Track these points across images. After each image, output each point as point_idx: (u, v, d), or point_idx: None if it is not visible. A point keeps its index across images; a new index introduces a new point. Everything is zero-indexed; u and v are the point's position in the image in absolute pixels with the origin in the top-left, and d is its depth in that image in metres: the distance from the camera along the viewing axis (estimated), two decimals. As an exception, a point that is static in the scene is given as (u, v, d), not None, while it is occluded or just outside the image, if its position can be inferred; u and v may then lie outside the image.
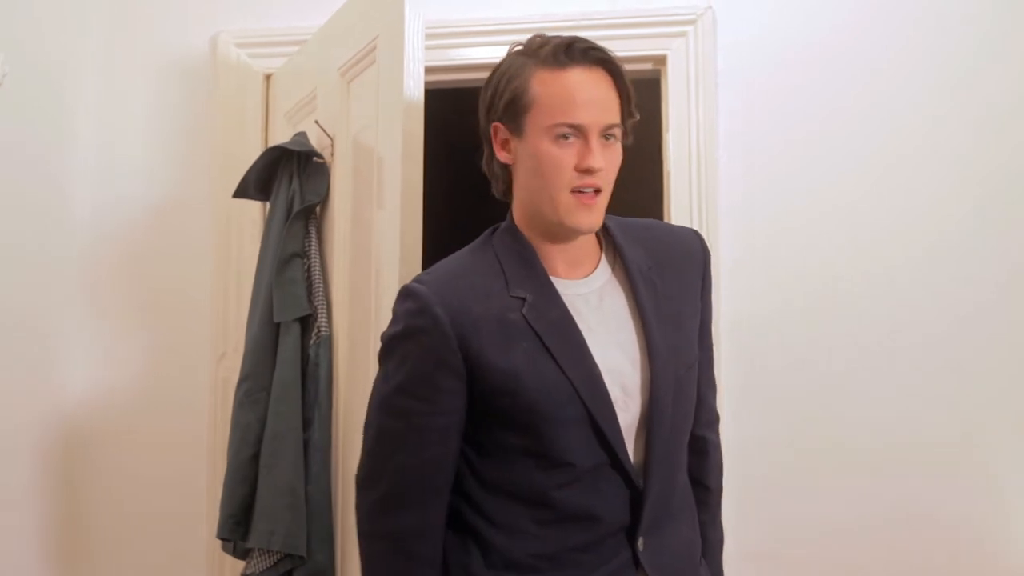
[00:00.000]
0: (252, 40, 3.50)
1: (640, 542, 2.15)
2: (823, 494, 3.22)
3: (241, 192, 3.15)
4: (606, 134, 2.13)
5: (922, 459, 3.18)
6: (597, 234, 2.24)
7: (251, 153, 3.35)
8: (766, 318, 3.23)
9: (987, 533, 3.14)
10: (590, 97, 2.11)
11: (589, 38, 2.15)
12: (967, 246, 3.19)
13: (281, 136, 3.35)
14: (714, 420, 2.39)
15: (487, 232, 2.26)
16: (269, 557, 2.87)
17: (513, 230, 2.21)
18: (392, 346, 2.16)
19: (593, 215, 2.14)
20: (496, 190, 2.25)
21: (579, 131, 2.10)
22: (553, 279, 2.17)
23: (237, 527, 2.92)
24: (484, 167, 2.25)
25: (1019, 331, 3.16)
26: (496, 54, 2.26)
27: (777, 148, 3.29)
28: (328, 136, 3.01)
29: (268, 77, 3.53)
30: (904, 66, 3.25)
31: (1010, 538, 3.10)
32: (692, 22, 3.31)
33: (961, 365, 3.17)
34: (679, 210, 3.26)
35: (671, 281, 2.25)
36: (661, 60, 3.30)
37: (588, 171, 2.11)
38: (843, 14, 3.29)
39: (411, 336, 2.13)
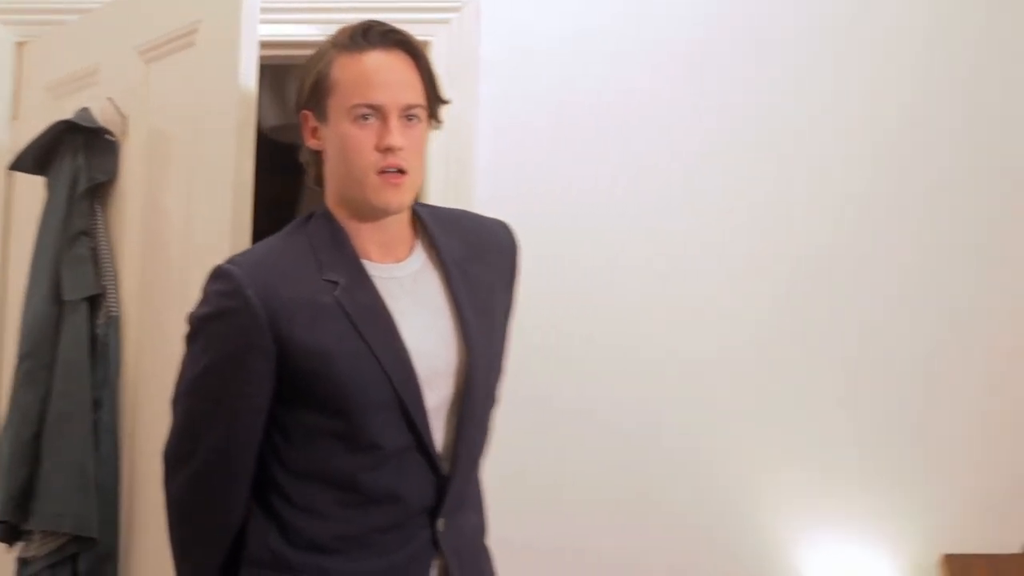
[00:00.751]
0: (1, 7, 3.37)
1: (440, 523, 2.21)
2: (567, 480, 3.37)
3: (19, 164, 3.05)
4: (407, 114, 2.18)
5: (661, 450, 3.38)
6: (411, 221, 2.29)
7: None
8: (520, 310, 3.38)
9: (719, 523, 3.37)
10: (387, 78, 2.17)
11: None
12: (722, 240, 3.41)
13: (36, 108, 3.26)
14: (495, 407, 2.46)
15: (301, 218, 2.28)
16: (54, 540, 2.81)
17: (327, 215, 2.24)
18: (201, 327, 2.18)
19: (400, 194, 2.18)
20: (310, 178, 2.29)
21: (378, 111, 2.16)
22: (366, 263, 2.21)
23: (18, 509, 2.84)
24: (301, 157, 2.29)
25: (747, 324, 3.41)
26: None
27: (537, 141, 3.42)
28: (121, 115, 2.95)
29: (21, 45, 3.41)
30: (666, 59, 3.43)
31: (743, 529, 3.37)
32: (457, 9, 3.38)
33: (703, 358, 3.39)
34: (434, 199, 3.28)
35: (483, 271, 2.31)
36: (425, 47, 3.35)
37: (389, 150, 2.15)
38: (612, 8, 3.44)
39: (221, 317, 2.15)
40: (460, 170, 3.33)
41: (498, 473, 2.39)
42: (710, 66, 3.43)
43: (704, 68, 3.44)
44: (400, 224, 2.26)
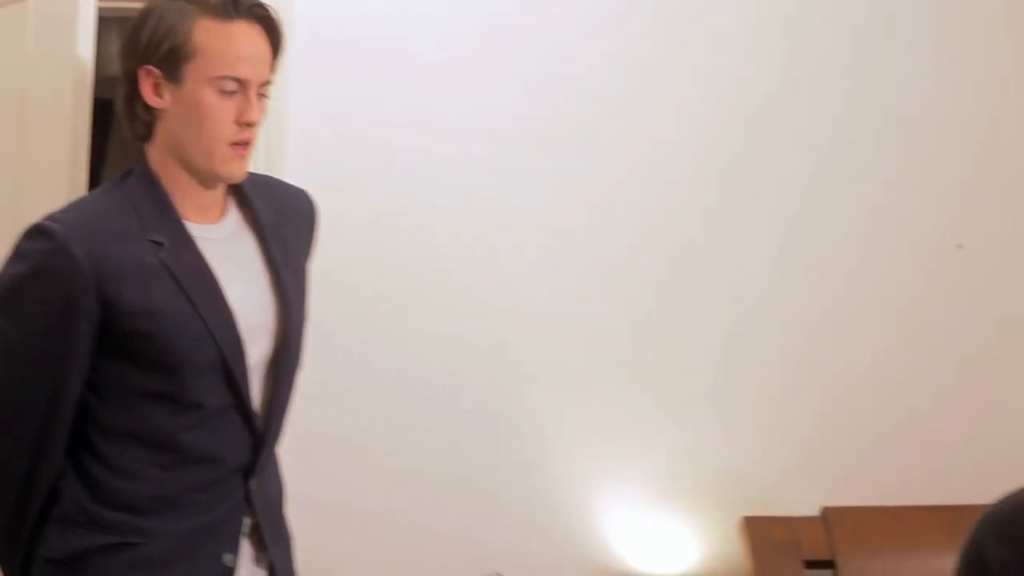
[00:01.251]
0: None
1: (253, 483, 2.23)
2: (372, 446, 3.41)
3: None
4: (262, 91, 2.19)
5: (461, 415, 3.44)
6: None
7: None
8: (327, 274, 3.40)
9: (519, 489, 3.44)
10: (252, 52, 2.17)
11: None
12: (536, 211, 3.46)
13: None
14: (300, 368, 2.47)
15: (121, 175, 2.24)
16: None
17: (147, 174, 2.20)
18: (18, 287, 2.12)
19: (244, 165, 2.21)
20: (132, 132, 2.23)
21: (242, 85, 2.15)
22: (186, 224, 2.19)
23: None
24: (121, 106, 2.22)
25: (559, 296, 3.45)
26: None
27: (353, 103, 3.42)
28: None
29: None
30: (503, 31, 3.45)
31: (543, 495, 3.45)
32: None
33: (511, 329, 3.44)
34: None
35: (292, 235, 2.33)
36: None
37: (249, 125, 2.16)
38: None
39: (43, 276, 2.10)
40: (276, 133, 3.28)
41: (304, 431, 2.46)
42: (555, 41, 3.46)
43: (550, 43, 3.47)
44: (221, 187, 2.25)
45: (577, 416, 3.46)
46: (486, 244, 3.46)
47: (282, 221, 2.32)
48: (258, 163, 3.16)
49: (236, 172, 2.20)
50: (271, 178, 2.49)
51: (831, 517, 3.36)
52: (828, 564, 3.32)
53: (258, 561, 2.26)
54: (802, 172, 3.54)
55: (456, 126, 3.45)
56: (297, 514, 2.40)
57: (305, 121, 3.38)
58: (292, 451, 3.13)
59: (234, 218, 2.28)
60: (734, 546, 3.41)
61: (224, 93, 2.14)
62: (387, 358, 3.43)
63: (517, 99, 3.46)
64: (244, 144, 2.19)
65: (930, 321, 3.56)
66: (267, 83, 2.21)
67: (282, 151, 3.32)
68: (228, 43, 2.14)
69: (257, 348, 2.22)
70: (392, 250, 3.44)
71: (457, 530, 3.42)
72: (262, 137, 3.11)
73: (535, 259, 3.47)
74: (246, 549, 2.24)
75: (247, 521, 2.24)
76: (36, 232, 2.13)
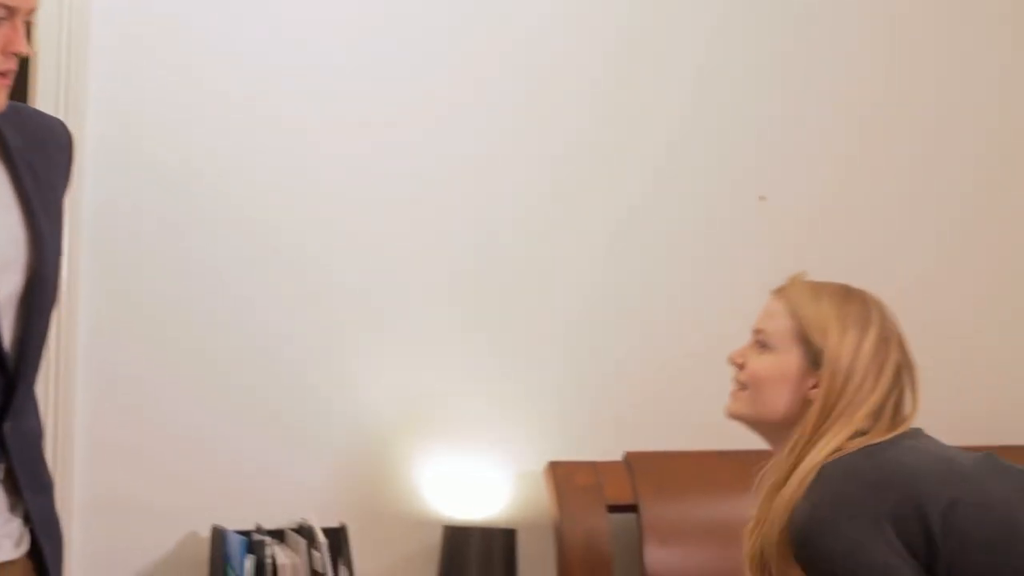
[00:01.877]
0: None
1: (7, 426, 2.11)
2: (179, 388, 3.35)
3: None
4: (28, 19, 2.08)
5: (283, 370, 3.41)
6: None
7: None
8: (130, 207, 3.34)
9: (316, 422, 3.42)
10: None
11: None
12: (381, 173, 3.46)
13: None
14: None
15: None
16: None
17: None
18: None
19: (5, 96, 2.07)
20: None
21: (10, 12, 2.05)
22: None
23: None
24: None
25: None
26: None
27: (158, 28, 3.35)
28: None
29: None
30: None
31: (350, 437, 3.44)
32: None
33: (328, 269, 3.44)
34: (45, 96, 3.20)
35: (45, 167, 2.22)
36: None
37: (16, 54, 2.06)
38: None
39: None
40: (75, 57, 3.21)
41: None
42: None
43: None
44: None
45: (386, 364, 3.46)
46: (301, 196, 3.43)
47: (34, 151, 2.20)
48: (58, 99, 3.18)
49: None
50: (23, 106, 2.34)
51: (633, 462, 3.42)
52: (631, 508, 3.38)
53: (13, 508, 2.12)
54: (594, 120, 3.59)
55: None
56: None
57: (104, 47, 3.31)
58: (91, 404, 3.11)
59: None
60: (541, 491, 3.44)
61: None
62: (196, 294, 3.38)
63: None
64: (6, 74, 2.07)
65: (733, 270, 3.64)
66: (33, 10, 2.09)
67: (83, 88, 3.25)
68: None
69: (7, 284, 2.09)
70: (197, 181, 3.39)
71: (265, 476, 3.39)
72: (59, 68, 3.14)
73: (349, 205, 3.46)
74: None
75: (0, 468, 2.11)
76: None
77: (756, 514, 2.27)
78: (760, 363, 2.29)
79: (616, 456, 3.47)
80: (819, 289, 2.30)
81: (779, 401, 2.27)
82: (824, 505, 2.09)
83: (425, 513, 3.43)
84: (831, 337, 2.22)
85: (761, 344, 2.30)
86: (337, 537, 3.22)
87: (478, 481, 3.45)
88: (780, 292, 2.34)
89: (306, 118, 3.43)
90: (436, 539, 3.37)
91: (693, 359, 3.58)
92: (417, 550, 3.43)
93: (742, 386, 2.32)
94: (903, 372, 2.22)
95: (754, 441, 3.50)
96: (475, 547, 3.30)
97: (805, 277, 2.34)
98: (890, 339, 2.24)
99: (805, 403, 2.23)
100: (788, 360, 2.25)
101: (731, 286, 3.62)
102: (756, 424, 2.34)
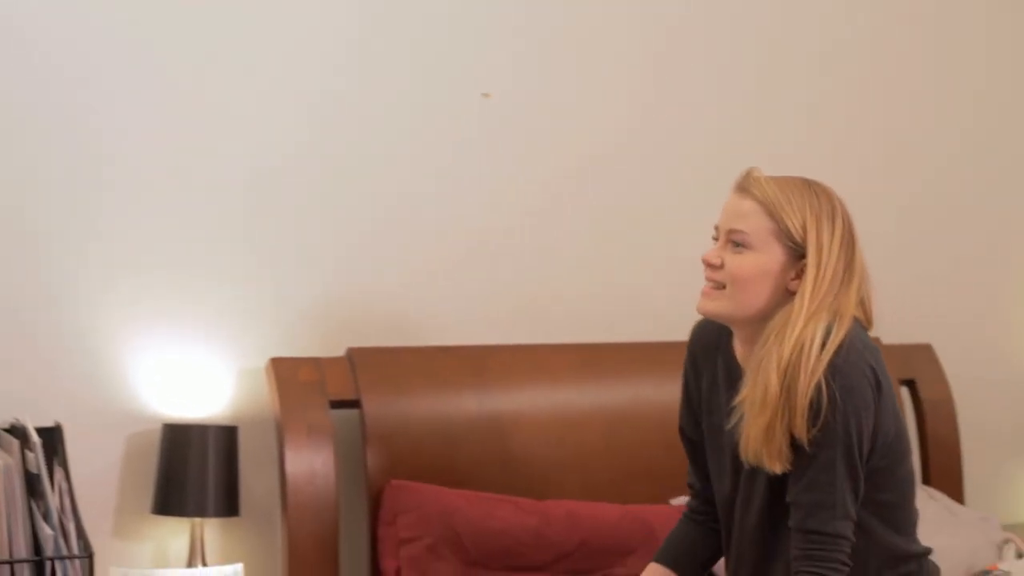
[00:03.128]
0: None
1: None
2: None
3: None
4: None
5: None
6: None
7: None
8: None
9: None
10: None
11: None
12: None
13: None
14: None
15: None
16: None
17: None
18: None
19: None
20: None
21: None
22: None
23: None
24: None
25: None
26: None
27: None
28: None
29: None
30: None
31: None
32: None
33: None
34: None
35: None
36: None
37: None
38: None
39: None
40: None
41: None
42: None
43: None
44: None
45: (104, 260, 3.36)
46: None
47: None
48: None
49: None
50: None
51: (356, 357, 3.42)
52: (354, 404, 3.39)
53: None
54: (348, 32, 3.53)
55: None
56: None
57: None
58: None
59: None
60: (263, 388, 3.42)
61: None
62: None
63: None
64: None
65: (459, 166, 3.67)
66: None
67: None
68: None
69: None
70: None
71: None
72: None
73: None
74: None
75: None
76: None
77: (757, 394, 2.31)
78: (741, 263, 2.36)
79: (340, 352, 3.48)
80: (785, 184, 2.39)
81: (761, 297, 2.36)
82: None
83: (143, 411, 3.37)
84: (810, 232, 2.34)
85: (738, 244, 2.36)
86: (52, 437, 3.12)
87: (198, 378, 3.41)
88: (745, 190, 2.40)
89: None
90: (155, 437, 3.31)
91: (415, 256, 3.61)
92: (136, 449, 3.37)
93: (718, 285, 2.38)
94: (864, 264, 2.41)
95: (481, 338, 3.62)
96: (195, 445, 3.26)
97: (758, 172, 2.42)
98: (853, 231, 2.40)
99: (785, 294, 2.36)
100: (769, 258, 2.35)
101: (458, 182, 3.66)
102: (733, 319, 2.41)
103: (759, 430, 2.31)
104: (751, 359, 2.37)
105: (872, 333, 3.99)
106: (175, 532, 3.36)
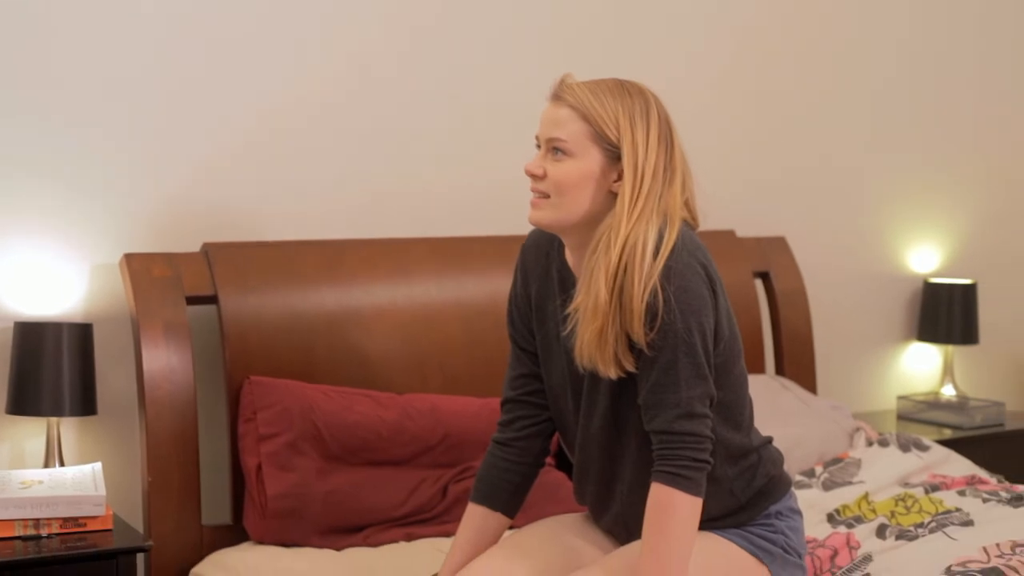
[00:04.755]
0: None
1: None
2: None
3: None
4: None
5: None
6: None
7: None
8: None
9: None
10: None
11: None
12: None
13: None
14: None
15: None
16: None
17: None
18: None
19: None
20: None
21: None
22: None
23: None
24: None
25: None
26: None
27: None
28: None
29: None
30: None
31: None
32: None
33: None
34: None
35: None
36: None
37: None
38: None
39: None
40: None
41: None
42: None
43: None
44: None
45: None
46: None
47: None
48: None
49: None
50: None
51: (212, 253, 3.39)
52: (211, 299, 3.36)
53: None
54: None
55: None
56: None
57: None
58: None
59: None
60: (118, 284, 3.38)
61: None
62: None
63: None
64: None
65: (313, 57, 3.64)
66: None
67: None
68: None
69: None
70: None
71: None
72: None
73: None
74: None
75: None
76: None
77: (588, 301, 2.34)
78: (561, 170, 2.38)
79: (195, 248, 3.44)
80: (597, 87, 2.39)
81: (584, 202, 2.38)
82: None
83: (-7, 308, 3.31)
84: (624, 132, 2.36)
85: (556, 151, 2.38)
86: (-100, 336, 3.06)
87: (51, 275, 3.35)
88: (558, 98, 2.41)
89: None
90: (7, 336, 3.26)
91: (268, 150, 3.58)
92: (-13, 348, 3.31)
93: (543, 195, 2.40)
94: (685, 161, 2.43)
95: (336, 232, 3.60)
96: (50, 343, 3.20)
97: (571, 78, 2.43)
98: (671, 127, 2.41)
99: (609, 197, 2.39)
100: (589, 162, 2.37)
101: (319, 85, 3.63)
102: (562, 227, 2.43)
103: (592, 336, 2.35)
104: (583, 267, 2.39)
105: (727, 226, 4.12)
106: (31, 432, 3.32)
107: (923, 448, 3.72)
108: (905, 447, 3.70)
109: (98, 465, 3.22)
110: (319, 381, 3.37)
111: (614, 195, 2.39)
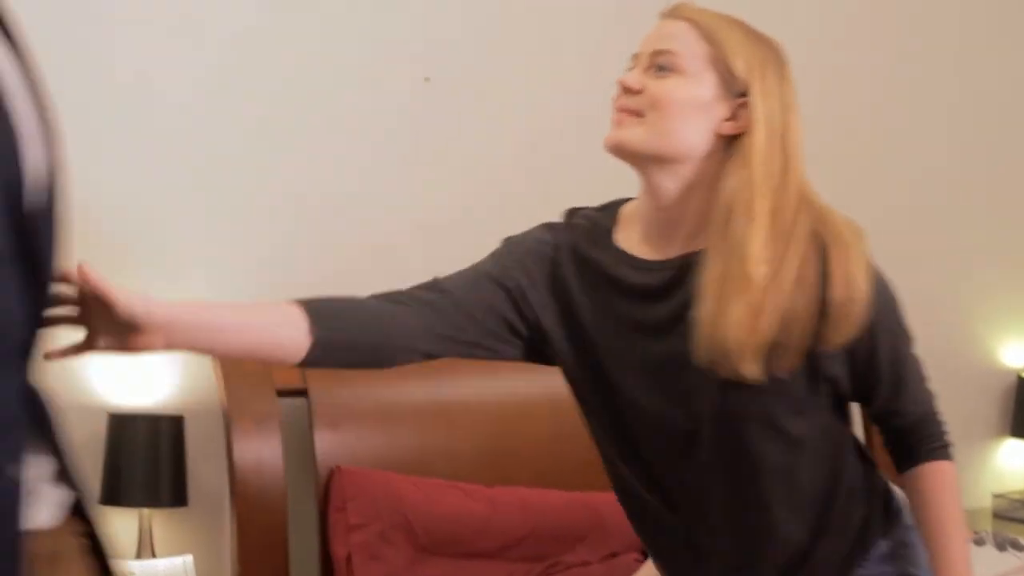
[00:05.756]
0: None
1: None
2: None
3: None
4: None
5: None
6: None
7: None
8: None
9: None
10: None
11: None
12: None
13: None
14: None
15: None
16: None
17: None
18: None
19: None
20: None
21: None
22: None
23: None
24: None
25: None
26: None
27: None
28: None
29: None
30: None
31: None
32: None
33: None
34: None
35: None
36: None
37: None
38: None
39: None
40: None
41: None
42: None
43: None
44: None
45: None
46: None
47: None
48: None
49: None
50: None
51: (303, 346, 3.41)
52: (301, 392, 3.39)
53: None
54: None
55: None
56: None
57: None
58: None
59: None
60: (209, 377, 3.41)
61: None
62: None
63: None
64: None
65: (398, 146, 3.68)
66: None
67: None
68: None
69: None
70: None
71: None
72: None
73: None
74: None
75: None
76: None
77: (733, 270, 1.89)
78: (666, 86, 1.92)
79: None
80: (731, 19, 1.97)
81: (687, 131, 1.93)
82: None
83: (89, 400, 3.35)
84: (755, 73, 1.94)
85: (663, 67, 1.93)
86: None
87: (144, 367, 3.38)
88: (677, 14, 1.98)
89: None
90: (101, 427, 3.29)
91: (358, 241, 3.60)
92: (81, 439, 3.30)
93: (635, 112, 1.94)
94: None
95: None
96: (142, 435, 3.24)
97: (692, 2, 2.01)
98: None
99: (716, 142, 1.95)
100: (701, 86, 1.93)
101: (397, 162, 3.66)
102: (647, 158, 1.95)
103: (741, 313, 1.88)
104: (710, 229, 1.94)
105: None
106: (123, 523, 3.34)
107: (1021, 548, 3.63)
108: (1001, 546, 3.62)
109: (189, 558, 3.23)
110: (407, 473, 3.37)
111: (720, 138, 1.96)
